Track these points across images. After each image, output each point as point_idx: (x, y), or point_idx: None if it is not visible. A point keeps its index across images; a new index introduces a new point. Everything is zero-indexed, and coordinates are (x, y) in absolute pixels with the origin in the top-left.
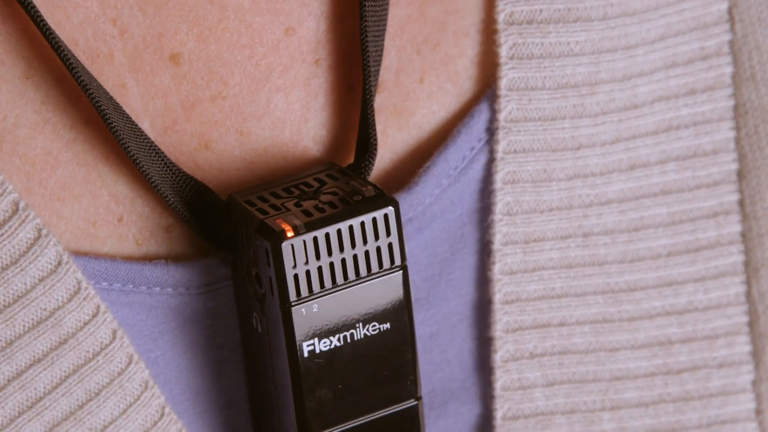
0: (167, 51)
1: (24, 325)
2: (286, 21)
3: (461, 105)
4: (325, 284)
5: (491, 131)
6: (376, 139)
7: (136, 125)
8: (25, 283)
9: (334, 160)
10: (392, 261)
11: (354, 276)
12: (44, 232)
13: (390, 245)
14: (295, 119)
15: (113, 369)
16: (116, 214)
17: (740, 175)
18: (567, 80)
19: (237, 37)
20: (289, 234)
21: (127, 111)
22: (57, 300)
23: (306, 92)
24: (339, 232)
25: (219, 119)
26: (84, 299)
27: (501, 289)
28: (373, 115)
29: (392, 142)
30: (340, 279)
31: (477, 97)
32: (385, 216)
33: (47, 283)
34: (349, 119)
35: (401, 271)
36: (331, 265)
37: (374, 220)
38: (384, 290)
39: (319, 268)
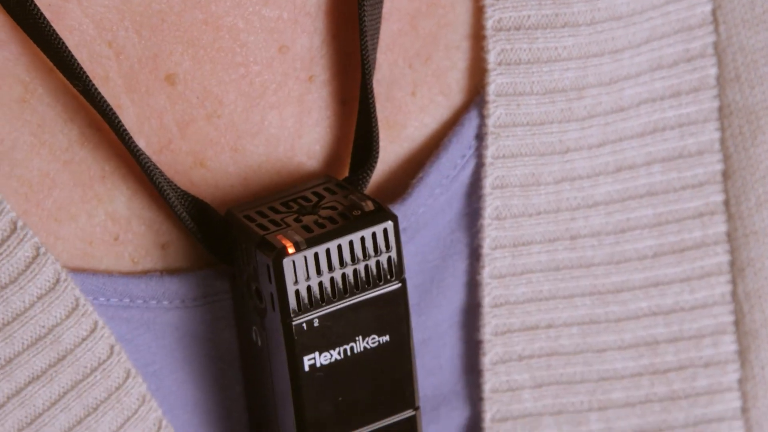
0: (162, 71)
1: (23, 343)
2: (280, 39)
3: (452, 115)
4: (326, 299)
5: (480, 137)
6: (378, 152)
7: (136, 144)
8: (24, 301)
9: (328, 174)
10: (391, 274)
11: (354, 290)
12: (42, 250)
13: (389, 259)
14: (289, 135)
15: (111, 384)
16: (112, 233)
17: (725, 175)
18: (555, 85)
19: (231, 56)
20: (291, 250)
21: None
22: (56, 317)
23: (300, 108)
24: (339, 247)
25: (214, 137)
26: (82, 315)
27: (490, 293)
28: (377, 126)
29: (384, 154)
30: (340, 293)
31: (467, 105)
32: (385, 230)
33: (46, 300)
34: (343, 134)
35: (400, 285)
36: (332, 279)
37: (374, 234)
38: (383, 303)
39: (320, 283)
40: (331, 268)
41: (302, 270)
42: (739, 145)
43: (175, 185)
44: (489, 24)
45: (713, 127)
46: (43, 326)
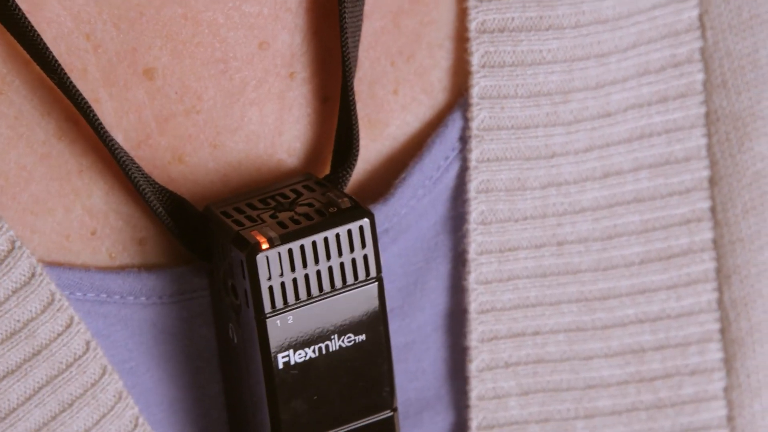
0: (141, 66)
1: None
2: (260, 35)
3: (435, 115)
4: (300, 296)
5: (464, 140)
6: (358, 149)
7: (113, 138)
8: None
9: (309, 172)
10: (367, 273)
11: (329, 288)
12: (18, 244)
13: (365, 257)
14: (269, 132)
15: (86, 380)
16: (89, 227)
17: (712, 182)
18: (540, 88)
19: (211, 51)
20: (264, 246)
21: None
22: (31, 311)
23: (280, 105)
24: (314, 244)
25: (193, 133)
26: (58, 310)
27: (476, 299)
28: (357, 124)
29: (366, 153)
30: (315, 291)
31: (450, 106)
32: (361, 228)
33: (21, 294)
34: (324, 131)
35: (376, 283)
36: (306, 277)
37: (349, 232)
38: (359, 302)
39: (294, 280)
40: (305, 264)
41: (276, 266)
42: (725, 152)
43: (153, 180)
44: (473, 26)
45: (700, 133)
46: (18, 320)
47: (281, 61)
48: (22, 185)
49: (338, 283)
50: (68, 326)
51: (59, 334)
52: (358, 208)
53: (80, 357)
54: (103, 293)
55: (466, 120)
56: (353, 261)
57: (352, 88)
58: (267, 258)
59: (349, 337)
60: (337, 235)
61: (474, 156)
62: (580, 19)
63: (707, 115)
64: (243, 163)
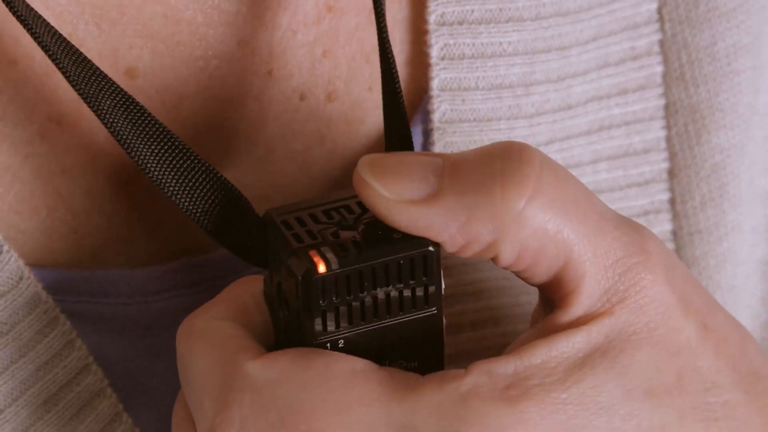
0: (122, 65)
1: None
2: (240, 33)
3: (407, 110)
4: (354, 321)
5: (426, 133)
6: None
7: (155, 121)
8: None
9: (289, 169)
10: (426, 303)
11: (385, 315)
12: (6, 248)
13: (426, 287)
14: (249, 130)
15: (71, 379)
16: (72, 226)
17: (671, 174)
18: (501, 81)
19: (191, 50)
20: (321, 269)
21: (83, 125)
22: (18, 314)
23: (259, 103)
24: (373, 270)
25: (173, 131)
26: (44, 312)
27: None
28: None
29: (344, 151)
30: (369, 317)
31: (419, 101)
32: (424, 257)
33: (8, 298)
34: (304, 129)
35: (435, 312)
36: (362, 303)
37: (412, 260)
38: (415, 329)
39: (349, 305)
40: (362, 291)
41: (331, 290)
42: (684, 144)
43: (217, 175)
44: (432, 19)
45: (659, 126)
46: (5, 323)
47: (260, 59)
48: (7, 185)
49: (395, 310)
50: (53, 327)
51: (45, 336)
52: (425, 237)
53: (65, 357)
54: (85, 293)
55: (427, 113)
56: (413, 290)
57: (399, 89)
58: (323, 282)
59: (400, 363)
60: (399, 263)
61: (437, 149)
62: (540, 11)
63: (666, 107)
64: (223, 162)
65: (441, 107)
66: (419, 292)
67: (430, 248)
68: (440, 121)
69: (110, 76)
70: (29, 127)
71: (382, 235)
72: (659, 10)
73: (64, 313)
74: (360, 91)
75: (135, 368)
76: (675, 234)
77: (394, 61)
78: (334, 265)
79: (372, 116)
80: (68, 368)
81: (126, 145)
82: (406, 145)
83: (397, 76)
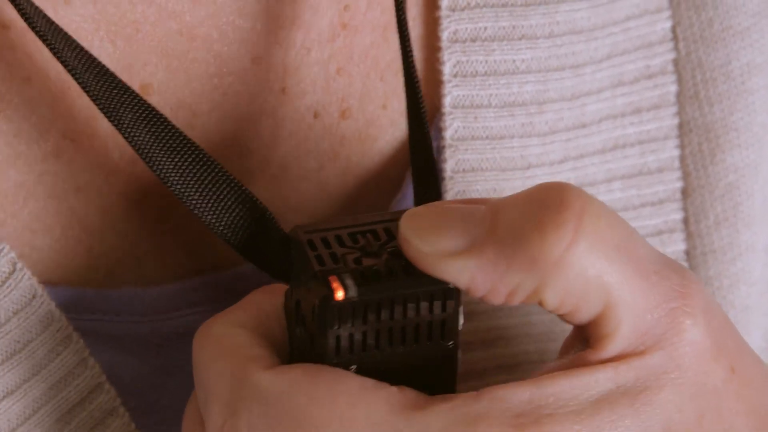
0: (137, 81)
1: None
2: (254, 50)
3: None
4: (367, 348)
5: (439, 150)
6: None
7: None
8: None
9: (301, 187)
10: (443, 337)
11: (400, 344)
12: (19, 265)
13: (443, 322)
14: (262, 147)
15: (84, 398)
16: (86, 245)
17: (685, 193)
18: (514, 98)
19: (205, 67)
20: (339, 296)
21: (97, 143)
22: (31, 332)
23: (273, 120)
24: (392, 302)
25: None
26: (57, 330)
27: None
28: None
29: (356, 168)
30: (383, 345)
31: (432, 118)
32: (444, 292)
33: (21, 316)
34: (317, 147)
35: (452, 344)
36: (377, 331)
37: (432, 295)
38: (428, 360)
39: (364, 333)
40: (378, 320)
41: (347, 318)
42: (698, 163)
43: (246, 191)
44: (444, 36)
45: (673, 145)
46: (18, 341)
47: (274, 76)
48: (21, 203)
49: (410, 342)
50: (66, 346)
51: (58, 354)
52: None
53: (78, 376)
54: (98, 312)
55: (439, 130)
56: (430, 324)
57: (424, 113)
58: (339, 309)
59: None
60: (417, 297)
61: (449, 166)
62: (554, 29)
63: (680, 126)
64: (236, 178)
65: (453, 124)
66: (436, 327)
67: (452, 287)
68: (452, 138)
69: None
70: (44, 144)
71: (405, 265)
72: (673, 29)
73: (77, 332)
74: (374, 108)
75: (147, 387)
76: (688, 254)
77: (417, 75)
78: (353, 294)
79: (386, 134)
80: (81, 387)
81: (148, 159)
82: (429, 160)
83: (420, 89)
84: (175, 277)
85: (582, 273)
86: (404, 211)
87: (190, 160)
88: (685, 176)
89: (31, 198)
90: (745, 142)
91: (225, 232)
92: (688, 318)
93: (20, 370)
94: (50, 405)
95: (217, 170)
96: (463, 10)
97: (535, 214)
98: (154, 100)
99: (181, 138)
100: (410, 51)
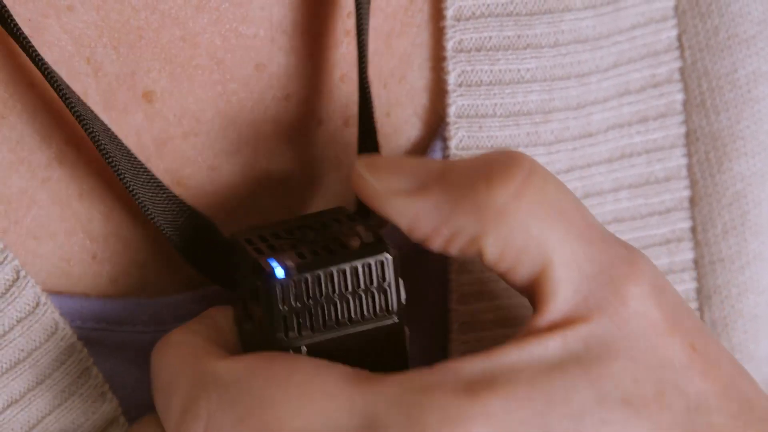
0: (140, 89)
1: (2, 367)
2: (257, 57)
3: (424, 137)
4: (315, 327)
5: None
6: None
7: (135, 158)
8: (3, 325)
9: (305, 194)
10: (388, 308)
11: (346, 322)
12: (22, 273)
13: (386, 293)
14: (266, 155)
15: (88, 408)
16: (90, 251)
17: (692, 202)
18: (519, 108)
19: (208, 74)
20: (279, 273)
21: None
22: (35, 341)
23: (276, 127)
24: (331, 275)
25: (191, 156)
26: (61, 339)
27: (458, 318)
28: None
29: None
30: (330, 324)
31: (437, 128)
32: (381, 263)
33: (25, 324)
34: (321, 153)
35: (397, 320)
36: (322, 308)
37: (369, 266)
38: (377, 340)
39: (310, 311)
40: (321, 295)
41: (290, 295)
42: (705, 172)
43: (183, 204)
44: (449, 45)
45: (680, 153)
46: (22, 350)
47: (277, 83)
48: (24, 210)
49: (355, 318)
50: (70, 355)
51: (62, 363)
52: (381, 243)
53: (82, 385)
54: (102, 321)
55: (445, 140)
56: (372, 295)
57: (372, 113)
58: (281, 286)
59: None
60: (355, 268)
61: None
62: (559, 38)
63: (687, 135)
64: (241, 187)
65: (458, 134)
66: (378, 298)
67: (387, 255)
68: (457, 148)
69: (128, 99)
70: (47, 150)
71: (340, 245)
72: (679, 38)
73: (80, 340)
74: (378, 116)
75: (149, 397)
76: (696, 263)
77: (369, 87)
78: (293, 270)
79: (389, 141)
80: (84, 396)
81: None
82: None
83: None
84: (177, 287)
85: (523, 226)
86: (338, 207)
87: (150, 182)
88: (693, 185)
89: (34, 204)
90: (752, 151)
91: (173, 237)
92: (634, 287)
93: (24, 378)
94: (54, 415)
95: (165, 190)
96: (468, 19)
97: (485, 167)
98: (157, 106)
99: (142, 168)
100: (366, 56)
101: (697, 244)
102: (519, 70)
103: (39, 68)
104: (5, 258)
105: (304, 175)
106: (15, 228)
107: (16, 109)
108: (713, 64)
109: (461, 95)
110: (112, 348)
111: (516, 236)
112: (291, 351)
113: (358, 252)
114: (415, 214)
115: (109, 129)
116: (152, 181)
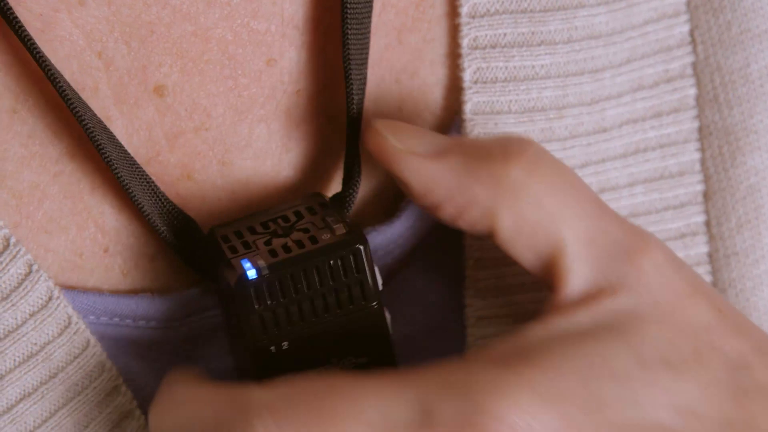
0: (151, 83)
1: (15, 360)
2: (268, 52)
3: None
4: (294, 322)
5: None
6: (359, 170)
7: (129, 155)
8: (15, 318)
9: (317, 188)
10: (364, 298)
11: (324, 313)
12: (35, 267)
13: (361, 282)
14: (276, 149)
15: (101, 401)
16: (102, 245)
17: (706, 196)
18: (533, 104)
19: (220, 68)
20: (252, 274)
21: None
22: (47, 335)
23: (287, 122)
24: (304, 272)
25: (202, 150)
26: (74, 333)
27: (475, 314)
28: (357, 145)
29: (374, 171)
30: (308, 317)
31: (450, 123)
32: (354, 254)
33: (38, 318)
34: (331, 148)
35: (375, 306)
36: (299, 304)
37: (342, 259)
38: (357, 325)
39: (286, 308)
40: (296, 292)
41: (264, 295)
42: (719, 166)
43: (166, 199)
44: (464, 43)
45: (693, 148)
46: (35, 344)
47: (288, 78)
48: (36, 204)
49: (333, 308)
50: (84, 349)
51: (75, 357)
52: (352, 234)
53: (96, 379)
54: (116, 317)
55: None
56: (348, 287)
57: (354, 105)
58: (255, 287)
59: (349, 360)
60: (329, 264)
61: None
62: (572, 34)
63: (700, 129)
64: (251, 180)
65: (474, 131)
66: (355, 289)
67: (359, 246)
68: None
69: (139, 93)
70: (58, 144)
71: (311, 239)
72: (691, 33)
73: (94, 335)
74: (389, 110)
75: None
76: (711, 256)
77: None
78: (265, 271)
79: None
80: (98, 389)
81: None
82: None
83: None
84: (188, 278)
85: (537, 200)
86: (315, 193)
87: (145, 184)
88: (706, 179)
89: (46, 198)
90: (765, 145)
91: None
92: (649, 260)
93: (38, 372)
94: (67, 408)
95: (156, 189)
96: (482, 16)
97: (502, 142)
98: (168, 101)
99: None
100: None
101: (711, 238)
102: (533, 67)
103: (40, 66)
104: (17, 252)
105: (316, 169)
106: (27, 222)
107: (28, 103)
108: (726, 59)
109: (477, 92)
110: (124, 342)
111: (530, 210)
112: (273, 347)
113: (332, 246)
114: (431, 177)
115: (108, 129)
116: (144, 179)
